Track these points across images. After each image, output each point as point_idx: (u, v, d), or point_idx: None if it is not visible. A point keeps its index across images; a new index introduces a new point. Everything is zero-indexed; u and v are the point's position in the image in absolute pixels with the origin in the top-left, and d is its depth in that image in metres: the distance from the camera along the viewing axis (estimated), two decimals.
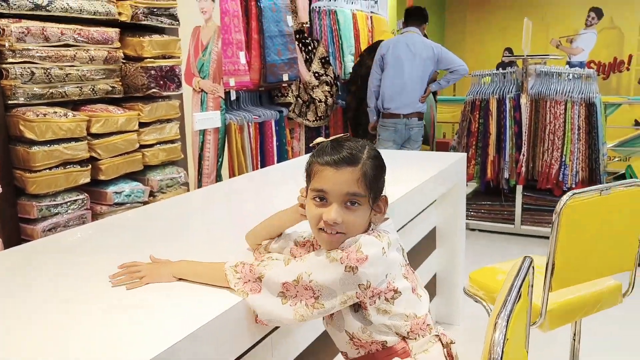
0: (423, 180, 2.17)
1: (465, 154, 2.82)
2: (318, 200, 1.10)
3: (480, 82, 4.34)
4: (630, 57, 10.16)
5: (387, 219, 1.17)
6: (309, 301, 1.03)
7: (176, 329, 0.98)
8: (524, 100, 4.08)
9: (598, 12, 10.12)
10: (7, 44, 2.05)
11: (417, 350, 1.09)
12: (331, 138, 1.13)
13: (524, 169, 4.09)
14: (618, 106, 6.32)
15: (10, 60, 2.08)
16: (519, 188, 4.19)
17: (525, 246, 3.99)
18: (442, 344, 1.12)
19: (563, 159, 3.96)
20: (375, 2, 5.98)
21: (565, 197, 1.63)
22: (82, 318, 1.07)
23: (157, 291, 1.18)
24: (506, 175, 4.17)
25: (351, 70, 4.93)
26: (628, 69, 10.18)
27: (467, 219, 4.41)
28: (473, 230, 4.44)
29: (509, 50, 10.62)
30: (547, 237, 1.68)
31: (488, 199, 4.42)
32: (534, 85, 4.10)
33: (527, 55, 4.18)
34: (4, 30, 2.05)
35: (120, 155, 2.51)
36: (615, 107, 6.26)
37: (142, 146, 2.64)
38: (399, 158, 2.81)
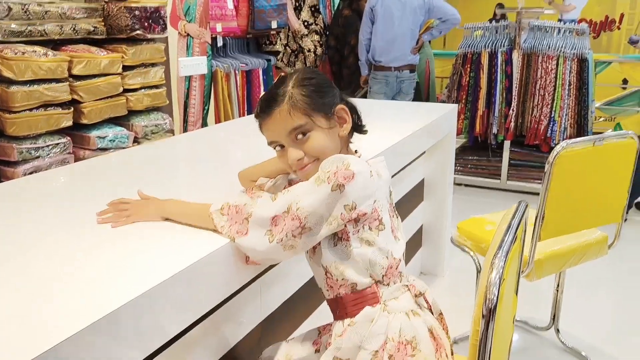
0: (412, 131, 2.14)
1: (456, 106, 2.78)
2: (278, 149, 1.12)
3: (473, 36, 4.25)
4: (622, 15, 10.06)
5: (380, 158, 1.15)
6: (296, 231, 1.01)
7: (164, 269, 0.96)
8: (516, 54, 4.02)
9: None
10: None
11: (387, 297, 1.07)
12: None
13: (512, 124, 4.07)
14: (608, 64, 6.28)
15: None
16: (507, 144, 4.18)
17: (511, 201, 4.00)
18: (411, 294, 1.10)
19: (552, 115, 3.94)
20: None
21: (559, 147, 1.61)
22: (63, 260, 1.03)
23: (144, 230, 1.15)
24: (495, 130, 4.15)
25: (329, 22, 4.80)
26: (619, 28, 10.08)
27: (454, 174, 4.41)
28: (459, 184, 4.45)
29: (501, 5, 10.45)
30: (533, 193, 1.68)
31: (476, 153, 4.41)
32: (526, 39, 4.03)
33: (521, 8, 4.09)
34: None
35: (104, 98, 2.43)
36: (605, 65, 6.22)
37: (125, 90, 2.57)
38: (389, 108, 2.77)
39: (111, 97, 2.47)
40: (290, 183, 1.27)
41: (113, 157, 1.87)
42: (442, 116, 2.51)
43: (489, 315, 0.75)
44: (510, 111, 4.06)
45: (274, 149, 1.13)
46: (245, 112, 3.81)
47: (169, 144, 2.19)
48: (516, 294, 1.14)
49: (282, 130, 1.08)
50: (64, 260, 1.02)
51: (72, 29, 2.31)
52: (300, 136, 1.08)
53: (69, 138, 2.29)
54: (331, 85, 1.14)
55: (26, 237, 1.14)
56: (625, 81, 6.67)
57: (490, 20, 10.21)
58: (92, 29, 2.41)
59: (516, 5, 4.32)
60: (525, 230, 1.13)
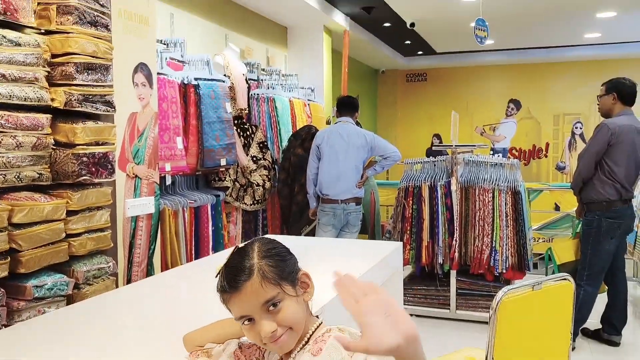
0: (363, 270, 2.17)
1: (401, 243, 2.86)
2: (247, 322, 1.10)
3: (413, 169, 4.50)
4: (547, 144, 10.96)
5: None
6: None
7: None
8: (454, 187, 4.25)
9: (516, 103, 10.97)
10: None
11: None
12: (224, 263, 1.13)
13: (457, 254, 4.19)
14: (540, 192, 6.71)
15: None
16: (453, 273, 4.27)
17: (463, 331, 4.01)
18: None
19: (493, 245, 4.10)
20: (312, 91, 6.21)
21: (500, 294, 1.66)
22: None
23: None
24: (440, 260, 4.25)
25: (277, 157, 5.00)
26: (546, 156, 10.93)
27: (404, 305, 4.40)
28: (411, 315, 4.43)
29: (437, 136, 11.22)
30: (483, 322, 1.69)
31: (424, 283, 4.46)
32: (463, 173, 4.29)
33: (455, 145, 4.40)
34: None
35: (44, 245, 2.36)
36: (538, 193, 6.64)
37: (68, 235, 2.50)
38: (338, 248, 2.81)
39: (52, 243, 2.40)
40: (241, 348, 1.24)
41: (47, 319, 1.78)
42: (390, 254, 2.57)
43: None
44: (454, 241, 4.20)
45: (242, 324, 1.11)
46: (193, 250, 3.77)
47: (112, 299, 2.11)
48: None
49: (255, 303, 1.07)
50: None
51: (16, 176, 2.30)
52: (272, 307, 1.08)
53: (2, 290, 2.18)
54: (290, 252, 1.17)
55: None
56: (557, 206, 7.09)
57: (428, 150, 10.91)
58: (37, 175, 2.40)
59: (459, 139, 4.65)
60: None
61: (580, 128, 10.62)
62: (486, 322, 1.73)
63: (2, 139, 2.20)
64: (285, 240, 1.23)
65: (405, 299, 4.43)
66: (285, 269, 1.11)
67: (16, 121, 2.25)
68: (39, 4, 2.44)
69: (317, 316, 1.18)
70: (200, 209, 3.90)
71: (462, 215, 4.23)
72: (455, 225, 4.20)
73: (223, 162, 4.05)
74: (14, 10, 2.24)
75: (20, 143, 2.29)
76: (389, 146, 4.41)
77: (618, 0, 6.50)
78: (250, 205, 4.59)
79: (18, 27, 2.31)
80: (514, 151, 10.89)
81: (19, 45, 2.26)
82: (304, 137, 5.02)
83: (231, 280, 1.09)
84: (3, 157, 2.22)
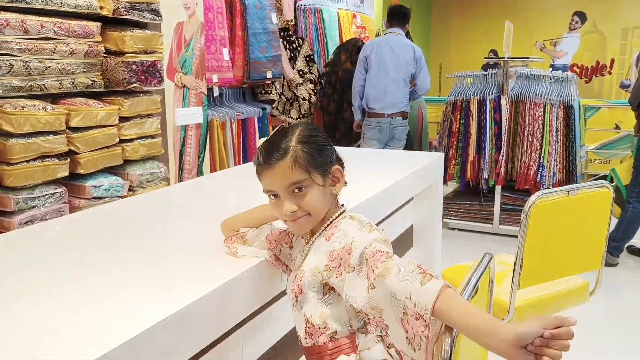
0: (399, 178, 2.21)
1: (442, 154, 2.86)
2: (273, 197, 1.17)
3: (462, 83, 4.39)
4: (612, 61, 10.32)
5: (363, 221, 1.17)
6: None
7: (148, 317, 1.00)
8: (504, 101, 4.14)
9: (581, 16, 10.24)
10: None
11: (362, 347, 1.11)
12: (267, 138, 1.18)
13: (503, 169, 4.15)
14: (597, 109, 6.42)
15: None
16: (498, 188, 4.25)
17: (503, 245, 4.05)
18: (384, 345, 1.14)
19: (541, 161, 4.03)
20: (361, 1, 6.02)
21: (533, 197, 1.68)
22: (58, 305, 1.08)
23: (128, 280, 1.20)
24: (485, 175, 4.23)
25: (324, 72, 4.94)
26: (610, 73, 10.33)
27: (447, 218, 4.46)
28: (453, 229, 4.49)
29: (494, 52, 10.73)
30: None
31: (468, 198, 4.48)
32: (514, 87, 4.16)
33: (508, 58, 4.24)
34: None
35: (100, 149, 2.51)
36: (594, 111, 6.36)
37: (122, 140, 2.65)
38: (378, 156, 2.85)
39: (107, 147, 2.55)
40: (273, 233, 1.33)
41: (108, 208, 1.94)
42: (429, 164, 2.59)
43: None
44: (500, 157, 4.15)
45: (269, 197, 1.18)
46: (241, 160, 3.90)
47: (164, 193, 2.26)
48: None
49: (282, 182, 1.13)
50: (59, 306, 1.06)
51: (70, 83, 2.42)
52: (297, 191, 1.13)
53: (64, 188, 2.36)
54: (330, 144, 1.20)
55: (32, 283, 1.19)
56: (617, 126, 6.78)
57: (484, 66, 10.49)
58: (91, 82, 2.51)
59: (515, 54, 4.48)
60: (492, 280, 1.17)
61: None
62: None
63: (56, 46, 2.30)
64: None
65: (449, 213, 4.48)
66: (319, 159, 1.15)
67: (68, 28, 2.34)
68: None
69: (342, 205, 1.23)
70: (247, 121, 3.99)
71: (510, 130, 4.14)
72: (503, 140, 4.13)
73: (269, 74, 4.07)
74: None
75: (73, 50, 2.39)
76: (426, 72, 4.30)
77: None
78: (296, 119, 4.64)
79: None
80: (575, 68, 10.32)
81: None
82: (351, 50, 4.94)
83: (266, 156, 1.14)
84: (58, 63, 2.33)
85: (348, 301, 1.06)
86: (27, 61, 2.20)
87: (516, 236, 1.69)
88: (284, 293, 1.46)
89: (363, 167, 2.37)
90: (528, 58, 4.43)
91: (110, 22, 2.60)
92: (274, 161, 1.12)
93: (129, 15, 2.59)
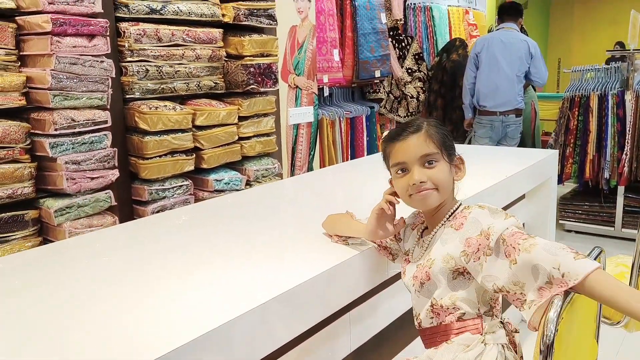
0: (511, 173, 2.18)
1: (557, 152, 2.75)
2: (400, 172, 1.23)
3: (582, 78, 4.16)
4: None
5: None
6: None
7: (263, 293, 1.12)
8: (628, 96, 3.87)
9: None
10: (126, 45, 2.32)
11: (487, 330, 1.15)
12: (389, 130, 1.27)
13: (626, 169, 3.88)
14: None
15: (128, 59, 2.34)
16: (621, 189, 3.98)
17: (625, 250, 3.79)
18: (506, 331, 1.17)
19: None
20: None
21: None
22: (187, 277, 1.23)
23: (246, 261, 1.33)
24: (606, 175, 3.97)
25: (431, 69, 4.91)
26: None
27: (563, 220, 4.25)
28: (569, 231, 4.27)
29: (621, 44, 9.94)
30: None
31: (586, 199, 4.23)
32: (639, 81, 3.87)
33: (633, 50, 3.95)
34: (124, 32, 2.31)
35: (221, 146, 2.72)
36: None
37: (240, 138, 2.85)
38: (489, 153, 2.81)
39: (228, 144, 2.76)
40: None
41: (229, 199, 2.11)
42: (542, 160, 2.51)
43: (547, 351, 0.81)
44: (624, 155, 3.88)
45: (396, 172, 1.23)
46: (349, 157, 4.00)
47: (278, 187, 2.41)
48: (596, 341, 1.16)
49: (414, 153, 1.19)
50: (188, 277, 1.21)
51: (196, 85, 2.65)
52: (427, 164, 1.20)
53: (190, 181, 2.59)
54: (450, 137, 1.28)
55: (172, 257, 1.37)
56: None
57: (608, 60, 9.76)
58: (214, 84, 2.73)
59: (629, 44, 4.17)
60: None
61: None
62: None
63: (184, 52, 2.53)
64: None
65: (565, 214, 4.27)
66: (447, 142, 1.22)
67: (195, 35, 2.57)
68: None
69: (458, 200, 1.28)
70: (356, 119, 4.08)
71: (635, 126, 3.86)
72: (627, 137, 3.86)
73: (377, 73, 4.14)
74: None
75: (199, 55, 2.61)
76: (540, 62, 4.12)
77: None
78: (404, 117, 4.66)
79: None
80: None
81: None
82: (455, 44, 4.90)
83: (400, 131, 1.22)
84: (186, 67, 2.57)
85: (487, 283, 1.10)
86: (160, 66, 2.45)
87: None
88: (389, 282, 1.53)
89: (474, 163, 2.35)
90: None
91: (231, 28, 2.81)
92: (407, 134, 1.20)
93: (248, 21, 2.78)
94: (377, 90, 4.40)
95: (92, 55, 2.12)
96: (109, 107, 2.23)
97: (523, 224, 1.19)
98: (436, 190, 1.19)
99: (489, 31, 6.21)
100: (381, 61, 4.17)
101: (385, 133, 1.28)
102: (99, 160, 2.20)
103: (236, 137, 2.80)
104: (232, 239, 1.56)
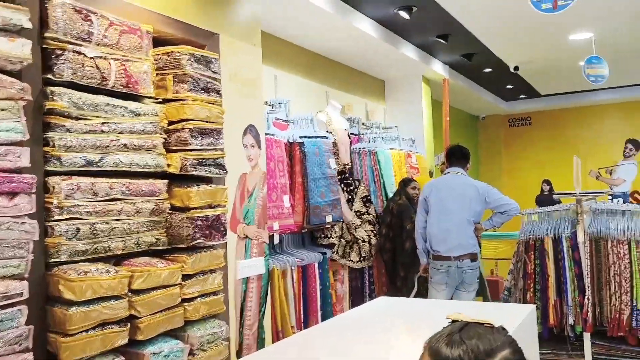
0: None
1: (533, 306, 2.56)
2: None
3: (531, 220, 4.14)
4: None
5: None
6: None
7: None
8: (581, 239, 3.85)
9: (635, 143, 10.06)
10: (55, 202, 2.01)
11: None
12: (467, 320, 0.95)
13: (590, 314, 3.74)
14: None
15: (56, 217, 2.02)
16: (587, 336, 3.80)
17: None
18: None
19: (634, 304, 3.61)
20: (413, 142, 6.07)
21: None
22: None
23: None
24: (571, 321, 3.81)
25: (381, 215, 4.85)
26: None
27: None
28: None
29: (547, 182, 10.52)
30: None
31: (553, 347, 4.00)
32: (591, 223, 3.88)
33: (580, 193, 4.02)
34: (53, 188, 2.02)
35: (161, 311, 2.35)
36: None
37: (183, 300, 2.49)
38: (467, 312, 2.57)
39: (169, 308, 2.39)
40: None
41: None
42: (524, 321, 2.29)
43: None
44: (585, 300, 3.76)
45: None
46: (302, 311, 3.66)
47: None
48: None
49: None
50: None
51: (135, 242, 2.33)
52: None
53: (122, 357, 2.17)
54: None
55: None
56: None
57: (538, 197, 10.23)
58: (155, 240, 2.43)
59: (569, 184, 4.27)
60: None
61: None
62: None
63: (123, 207, 2.25)
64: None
65: None
66: None
67: (136, 188, 2.30)
68: (157, 74, 2.53)
69: None
70: (308, 267, 3.82)
71: (593, 270, 3.80)
72: (586, 281, 3.77)
73: (329, 218, 3.97)
74: (135, 82, 2.33)
75: (139, 209, 2.33)
76: (504, 198, 4.10)
77: None
78: (357, 262, 4.45)
79: (138, 98, 2.39)
80: (636, 195, 9.92)
81: (139, 115, 2.33)
82: (400, 186, 4.90)
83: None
84: (124, 223, 2.26)
85: None
86: (93, 223, 2.13)
87: None
88: None
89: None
90: (602, 192, 4.20)
91: (177, 178, 2.57)
92: None
93: (196, 171, 2.56)
94: (329, 235, 4.20)
95: (11, 217, 1.79)
96: (27, 275, 1.86)
97: None
98: None
99: (430, 173, 6.35)
100: (332, 205, 4.02)
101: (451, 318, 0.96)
102: (9, 342, 1.78)
103: (179, 300, 2.44)
104: None
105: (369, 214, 4.67)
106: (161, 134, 2.45)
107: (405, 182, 4.94)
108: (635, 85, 9.34)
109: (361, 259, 4.49)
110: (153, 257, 2.42)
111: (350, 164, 4.68)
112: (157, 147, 2.42)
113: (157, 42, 2.61)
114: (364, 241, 4.52)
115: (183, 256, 2.51)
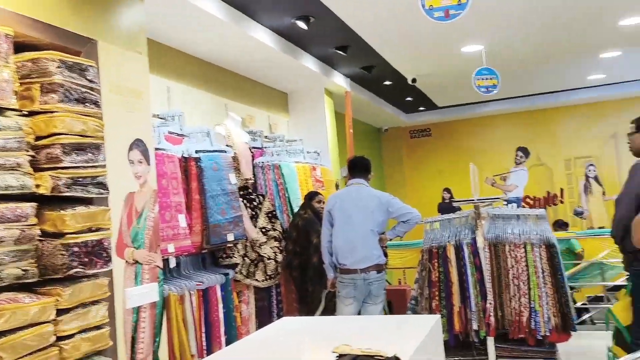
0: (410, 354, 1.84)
1: (438, 316, 2.51)
2: None
3: (433, 228, 4.18)
4: (562, 191, 10.65)
5: None
6: None
7: None
8: (480, 244, 3.92)
9: (524, 151, 10.73)
10: None
11: None
12: (356, 353, 0.82)
13: (492, 318, 3.80)
14: (568, 241, 6.37)
15: None
16: (490, 340, 3.86)
17: None
18: None
19: (532, 305, 3.72)
20: (318, 154, 6.01)
21: None
22: None
23: None
24: (475, 326, 3.86)
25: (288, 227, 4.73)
26: (562, 202, 10.60)
27: None
28: None
29: (448, 190, 10.93)
30: None
31: (459, 353, 4.03)
32: (489, 229, 3.97)
33: (477, 199, 4.11)
34: None
35: (30, 354, 2.04)
36: (565, 242, 6.29)
37: (59, 338, 2.19)
38: (365, 329, 2.47)
39: (40, 350, 2.09)
40: None
41: None
42: (431, 331, 2.22)
43: None
44: (488, 304, 3.82)
45: None
46: (203, 337, 3.41)
47: None
48: None
49: None
50: None
51: None
52: None
53: None
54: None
55: None
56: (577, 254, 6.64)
57: (440, 205, 10.59)
58: (22, 272, 2.12)
59: (469, 192, 4.36)
60: None
61: (594, 170, 10.35)
62: None
63: None
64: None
65: None
66: None
67: None
68: (20, 84, 2.23)
69: None
70: (209, 290, 3.58)
71: (494, 274, 3.87)
72: (487, 286, 3.84)
73: (230, 237, 3.75)
74: None
75: (1, 238, 2.02)
76: (405, 207, 4.12)
77: (622, 38, 6.38)
78: (263, 281, 4.26)
79: None
80: (528, 199, 10.55)
81: None
82: (305, 201, 4.79)
83: None
84: None
85: None
86: None
87: None
88: None
89: (353, 344, 1.98)
90: (497, 198, 4.33)
91: (49, 200, 2.28)
92: None
93: (71, 191, 2.28)
94: (231, 255, 3.99)
95: None
96: None
97: None
98: None
99: (337, 186, 6.31)
100: (233, 223, 3.81)
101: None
102: None
103: (53, 339, 2.14)
104: None
105: (274, 230, 4.52)
106: (27, 151, 2.15)
107: (310, 196, 4.84)
108: (524, 96, 9.97)
109: (267, 277, 4.31)
110: (20, 292, 2.10)
111: (252, 178, 4.50)
112: (22, 165, 2.12)
113: (23, 47, 2.32)
114: (269, 259, 4.35)
115: (58, 288, 2.22)
